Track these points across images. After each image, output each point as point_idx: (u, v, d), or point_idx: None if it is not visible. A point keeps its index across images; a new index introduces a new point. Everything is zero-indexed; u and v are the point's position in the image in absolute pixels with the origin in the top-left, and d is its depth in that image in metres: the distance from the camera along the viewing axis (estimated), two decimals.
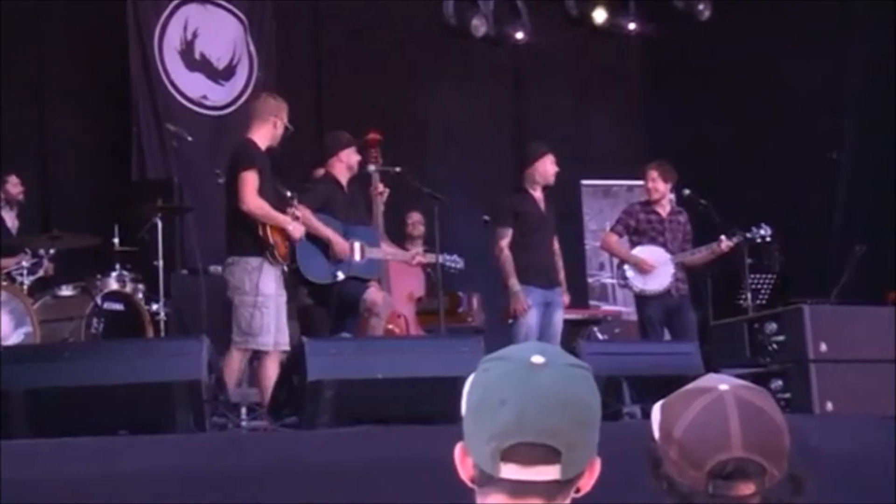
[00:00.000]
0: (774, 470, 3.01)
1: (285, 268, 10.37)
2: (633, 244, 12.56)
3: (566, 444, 2.69)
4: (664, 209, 12.59)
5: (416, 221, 13.47)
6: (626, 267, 12.58)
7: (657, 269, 12.36)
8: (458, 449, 2.78)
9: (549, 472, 2.70)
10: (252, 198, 9.92)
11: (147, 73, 14.09)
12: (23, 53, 13.42)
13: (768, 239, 12.70)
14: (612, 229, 12.89)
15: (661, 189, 12.61)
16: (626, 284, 12.79)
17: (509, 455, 2.67)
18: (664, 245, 12.49)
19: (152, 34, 14.19)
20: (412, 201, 12.84)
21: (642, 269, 12.41)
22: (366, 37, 14.79)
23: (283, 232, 10.18)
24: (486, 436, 2.69)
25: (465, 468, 2.77)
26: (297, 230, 10.29)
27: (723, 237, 12.47)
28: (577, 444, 2.72)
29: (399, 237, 12.92)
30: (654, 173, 12.60)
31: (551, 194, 12.59)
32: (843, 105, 15.30)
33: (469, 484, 2.78)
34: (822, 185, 15.08)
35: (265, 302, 9.99)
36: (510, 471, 2.68)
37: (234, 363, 9.92)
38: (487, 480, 2.72)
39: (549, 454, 2.67)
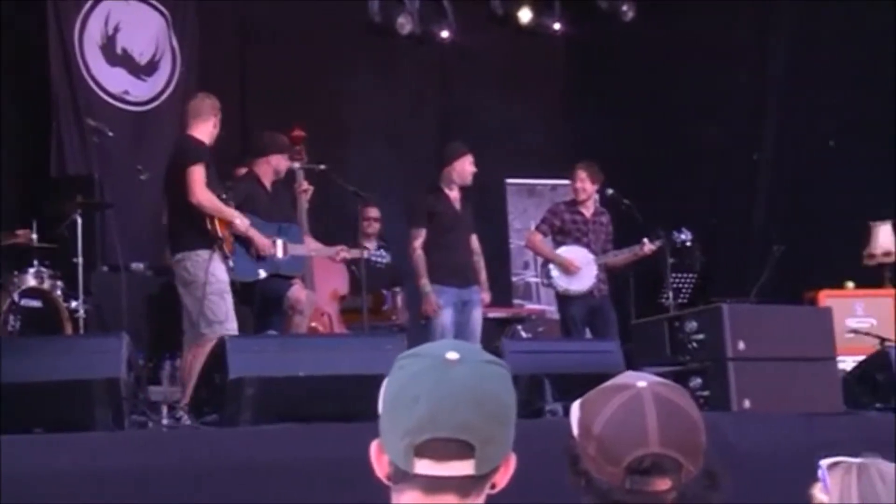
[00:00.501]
0: (690, 466, 3.03)
1: (231, 263, 10.37)
2: (558, 244, 12.70)
3: (480, 439, 2.68)
4: (588, 210, 12.75)
5: (371, 217, 13.43)
6: (550, 266, 12.71)
7: (582, 269, 12.43)
8: (373, 446, 2.77)
9: (463, 468, 2.69)
10: (202, 191, 9.98)
11: (67, 68, 13.98)
12: None
13: (689, 243, 12.84)
14: (538, 228, 13.03)
15: (588, 190, 12.74)
16: (550, 284, 12.93)
17: (423, 451, 2.66)
18: (588, 246, 12.67)
19: (73, 28, 14.06)
20: (344, 198, 12.80)
21: (568, 269, 12.52)
22: (290, 34, 14.76)
23: (229, 226, 10.25)
24: (401, 432, 2.69)
25: (380, 465, 2.76)
26: (243, 224, 10.38)
27: (645, 240, 12.72)
28: (492, 439, 2.72)
29: (328, 235, 12.81)
30: (582, 174, 12.72)
31: (468, 194, 12.63)
32: (764, 107, 15.37)
33: (385, 481, 2.77)
34: (742, 186, 15.18)
35: (224, 288, 10.08)
36: (424, 466, 2.67)
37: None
38: (402, 477, 2.72)
39: (462, 449, 2.67)
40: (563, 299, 12.80)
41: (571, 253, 12.57)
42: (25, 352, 8.52)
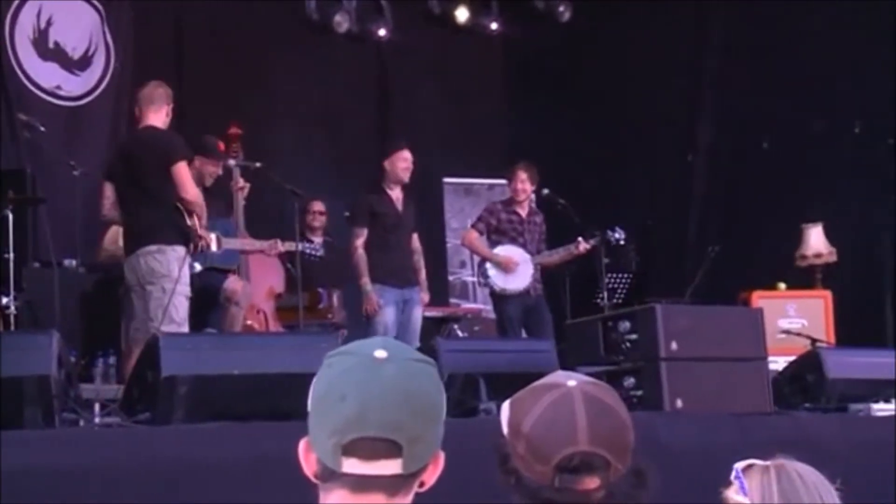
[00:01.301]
0: (619, 464, 3.05)
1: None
2: (493, 243, 12.76)
3: (408, 438, 2.69)
4: (524, 210, 12.85)
5: (317, 211, 13.51)
6: (487, 265, 12.77)
7: (519, 268, 12.46)
8: (301, 444, 2.78)
9: (391, 467, 2.69)
10: (193, 187, 10.07)
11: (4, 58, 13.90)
12: None
13: (622, 242, 12.91)
14: (474, 226, 13.06)
15: (527, 190, 12.87)
16: (486, 283, 13.02)
17: (351, 450, 2.68)
18: (523, 245, 12.76)
19: (2, 22, 13.95)
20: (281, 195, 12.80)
21: (507, 268, 12.58)
22: (227, 31, 14.79)
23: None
24: (328, 431, 2.70)
25: (308, 464, 2.77)
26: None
27: (580, 239, 12.79)
28: (420, 438, 2.73)
29: (265, 232, 12.75)
30: (523, 175, 12.80)
31: (411, 193, 12.70)
32: (699, 110, 15.41)
33: (313, 480, 2.77)
34: (677, 188, 15.22)
35: (188, 292, 10.11)
36: (352, 465, 2.69)
37: None
38: (330, 476, 2.73)
39: (390, 448, 2.68)
40: (500, 298, 12.85)
41: (508, 252, 12.62)
42: None
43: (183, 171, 10.03)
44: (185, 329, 9.95)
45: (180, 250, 10.02)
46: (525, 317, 12.70)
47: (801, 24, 14.13)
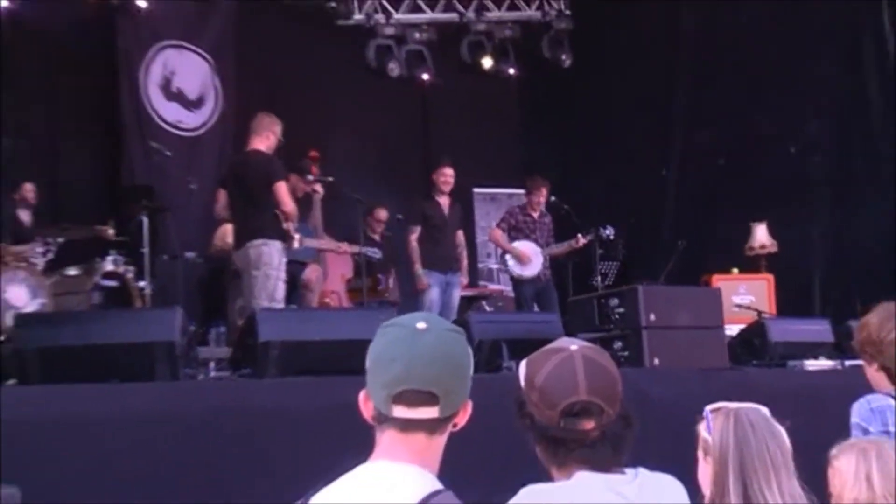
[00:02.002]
0: (610, 410, 3.07)
1: None
2: (512, 238, 12.87)
3: (443, 390, 2.73)
4: (536, 213, 12.87)
5: (377, 219, 13.51)
6: (507, 257, 12.91)
7: (531, 259, 12.55)
8: (361, 395, 2.82)
9: (430, 412, 2.74)
10: (289, 202, 10.17)
11: (135, 102, 13.96)
12: (37, 87, 13.38)
13: (612, 237, 12.97)
14: (498, 226, 13.14)
15: (543, 201, 12.93)
16: (507, 270, 13.14)
17: (399, 399, 2.71)
18: (535, 241, 12.86)
19: (137, 71, 14.04)
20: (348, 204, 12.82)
21: (523, 259, 12.68)
22: (305, 76, 14.77)
23: None
24: (381, 384, 2.73)
25: (366, 410, 2.80)
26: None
27: (579, 235, 12.96)
28: (453, 390, 2.76)
29: (338, 233, 12.87)
30: (545, 190, 12.95)
31: (456, 200, 12.97)
32: (671, 135, 15.35)
33: (370, 422, 2.80)
34: (655, 195, 15.16)
35: (284, 277, 10.22)
36: (400, 411, 2.72)
37: None
38: (383, 419, 2.76)
39: (430, 398, 2.71)
40: (517, 282, 12.95)
41: (523, 246, 12.75)
42: (105, 320, 8.58)
43: (282, 189, 10.09)
44: (278, 304, 9.97)
45: (279, 245, 10.07)
46: (537, 296, 12.77)
47: (753, 78, 14.04)
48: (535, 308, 12.56)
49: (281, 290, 10.18)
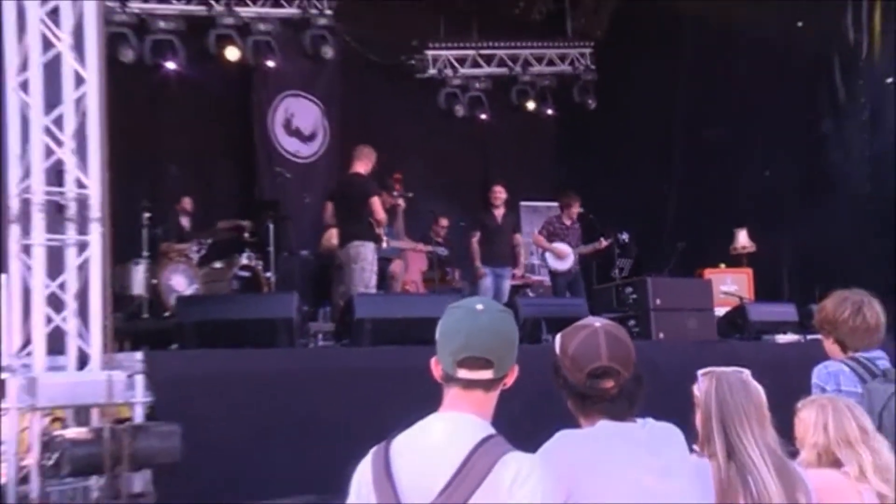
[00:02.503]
0: (626, 373, 3.06)
1: None
2: (550, 241, 12.68)
3: (496, 357, 2.75)
4: (569, 221, 12.80)
5: (441, 225, 13.54)
6: (547, 255, 12.80)
7: (567, 256, 12.44)
8: (432, 360, 2.83)
9: (486, 374, 2.75)
10: (381, 212, 10.37)
11: (265, 137, 14.04)
12: (194, 126, 13.43)
13: (627, 240, 12.98)
14: (540, 231, 13.08)
15: (575, 212, 12.83)
16: (546, 265, 13.07)
17: (462, 363, 2.74)
18: (568, 243, 12.70)
19: (266, 114, 14.13)
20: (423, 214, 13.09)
21: (559, 256, 12.60)
22: (392, 115, 14.65)
23: None
24: (448, 352, 2.76)
25: (436, 372, 2.81)
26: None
27: (602, 239, 12.87)
28: (503, 357, 2.78)
29: (416, 236, 13.16)
30: (576, 203, 12.84)
31: (511, 210, 13.22)
32: (670, 160, 15.23)
33: (439, 381, 2.81)
34: (659, 208, 15.02)
35: (375, 270, 10.33)
36: (463, 373, 2.76)
37: None
38: (449, 379, 2.80)
39: (486, 363, 2.73)
40: (553, 274, 12.89)
41: (560, 247, 12.63)
42: (241, 301, 9.08)
43: (376, 203, 10.27)
44: (372, 292, 10.06)
45: (372, 246, 10.19)
46: (569, 285, 12.68)
47: (736, 116, 13.93)
48: (567, 294, 12.44)
49: (373, 280, 10.25)
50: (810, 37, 13.57)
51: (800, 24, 13.68)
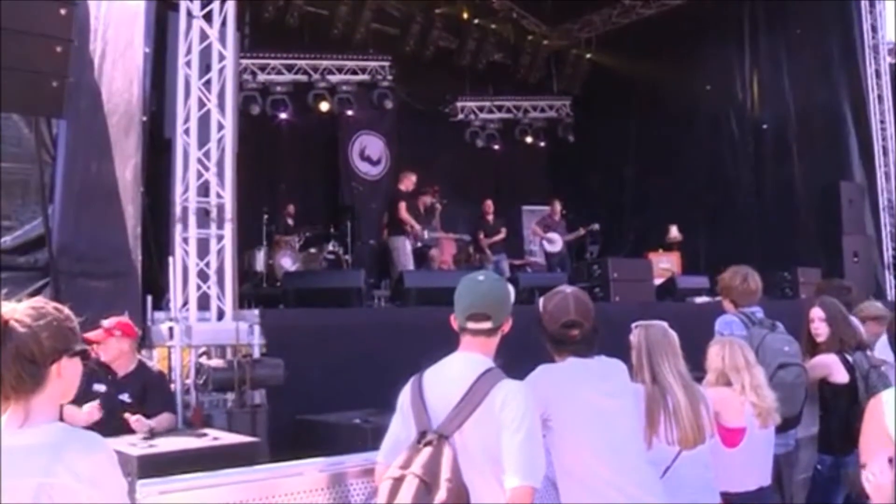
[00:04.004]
0: (587, 324, 3.08)
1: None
2: (545, 231, 12.62)
3: (493, 312, 2.76)
4: (556, 217, 12.65)
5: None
6: (542, 241, 12.64)
7: (556, 241, 12.37)
8: (451, 316, 2.83)
9: (487, 325, 2.75)
10: (404, 213, 10.43)
11: (346, 163, 13.91)
12: (295, 157, 13.40)
13: (597, 228, 12.67)
14: (538, 224, 12.99)
15: (558, 210, 12.71)
16: (543, 248, 12.84)
17: (470, 318, 2.73)
18: (557, 232, 12.53)
19: (346, 147, 14.01)
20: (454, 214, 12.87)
21: (551, 242, 12.50)
22: (432, 146, 14.36)
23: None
24: (461, 309, 2.75)
25: (454, 324, 2.84)
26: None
27: (581, 228, 12.70)
28: (499, 312, 2.77)
29: (449, 228, 12.89)
30: (558, 207, 12.84)
31: (504, 216, 13.13)
32: (626, 177, 14.97)
33: (456, 331, 2.76)
34: (617, 209, 14.70)
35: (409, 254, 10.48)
36: (471, 325, 2.73)
37: None
38: (462, 329, 2.74)
39: (485, 317, 2.74)
40: (548, 255, 12.72)
41: (551, 236, 12.50)
42: (328, 275, 9.28)
43: (399, 206, 10.43)
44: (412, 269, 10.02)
45: (402, 238, 10.38)
46: (559, 263, 12.51)
47: (670, 151, 13.76)
48: (558, 270, 12.28)
49: (408, 261, 10.31)
50: (714, 96, 13.66)
51: (708, 87, 13.75)
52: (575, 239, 12.90)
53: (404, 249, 10.22)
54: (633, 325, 3.57)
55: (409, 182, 10.73)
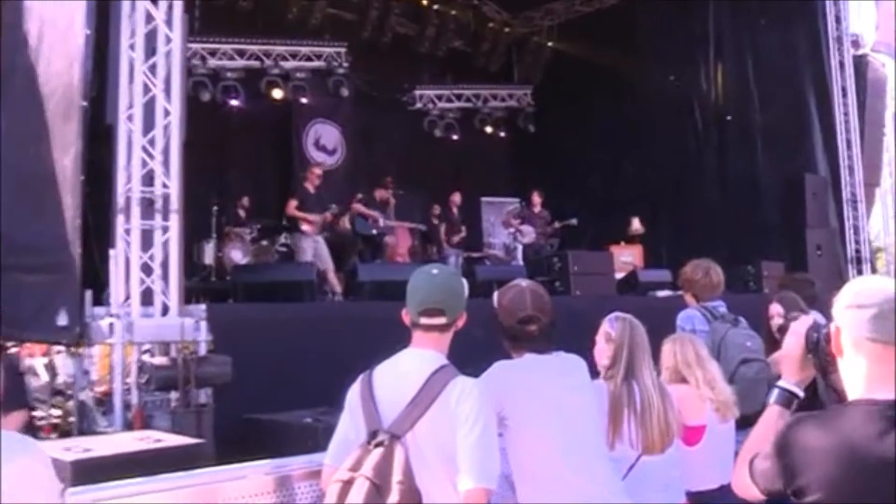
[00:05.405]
0: (545, 319, 3.02)
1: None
2: (522, 224, 12.59)
3: (447, 307, 2.70)
4: (535, 210, 12.57)
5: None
6: (516, 232, 12.64)
7: (528, 234, 12.48)
8: (404, 311, 2.76)
9: (440, 320, 2.70)
10: (290, 210, 10.31)
11: (300, 152, 13.77)
12: (248, 146, 13.28)
13: (574, 223, 12.61)
14: (513, 216, 12.94)
15: (538, 202, 12.60)
16: (516, 239, 12.79)
17: (423, 313, 2.68)
18: (533, 225, 12.46)
19: (301, 135, 13.86)
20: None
21: (523, 234, 12.49)
22: (390, 136, 14.39)
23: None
24: (414, 304, 2.70)
25: (406, 319, 2.76)
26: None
27: (556, 222, 12.60)
28: (453, 307, 2.72)
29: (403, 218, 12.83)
30: (538, 198, 12.70)
31: (464, 209, 13.06)
32: (587, 168, 14.93)
33: (408, 326, 2.72)
34: (579, 201, 14.61)
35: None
36: (424, 320, 2.67)
37: None
38: (415, 325, 2.67)
39: (439, 312, 2.68)
40: (524, 245, 12.69)
41: (525, 227, 12.49)
42: (279, 268, 9.01)
43: (292, 206, 10.30)
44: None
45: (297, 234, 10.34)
46: (534, 253, 12.41)
47: (642, 140, 13.80)
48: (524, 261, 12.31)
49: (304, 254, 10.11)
50: (679, 87, 13.70)
51: (672, 77, 13.80)
52: (553, 232, 12.77)
53: (304, 250, 10.06)
54: (612, 315, 3.55)
55: (313, 177, 10.65)
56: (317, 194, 10.67)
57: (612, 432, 3.26)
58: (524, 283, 3.10)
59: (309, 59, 13.44)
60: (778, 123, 12.36)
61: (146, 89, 6.02)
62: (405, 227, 12.48)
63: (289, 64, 13.23)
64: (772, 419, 2.05)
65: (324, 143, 14.09)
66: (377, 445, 2.48)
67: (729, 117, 13.21)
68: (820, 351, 1.98)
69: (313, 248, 10.10)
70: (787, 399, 2.09)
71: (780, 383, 2.13)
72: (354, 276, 7.79)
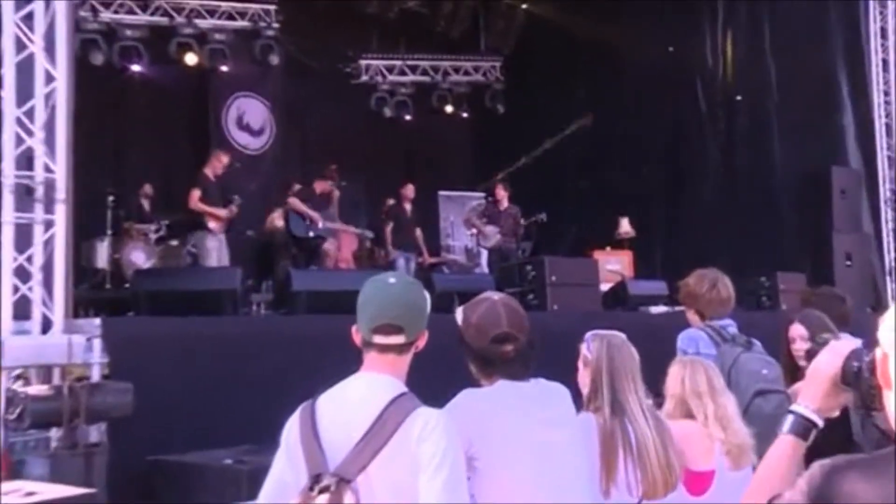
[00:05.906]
0: (522, 338, 2.98)
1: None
2: (487, 223, 12.59)
3: (406, 323, 2.67)
4: (502, 206, 12.52)
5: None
6: (478, 235, 12.75)
7: (491, 237, 12.48)
8: (354, 328, 2.73)
9: (398, 339, 2.67)
10: (193, 202, 10.36)
11: (219, 131, 13.76)
12: (154, 121, 13.27)
13: (544, 219, 12.58)
14: (477, 214, 13.11)
15: (503, 196, 12.55)
16: (479, 243, 12.96)
17: (377, 330, 2.65)
18: (500, 224, 12.43)
19: (221, 111, 13.87)
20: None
21: (486, 237, 12.53)
22: (329, 114, 14.37)
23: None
24: (366, 319, 2.68)
25: (357, 338, 2.72)
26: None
27: (521, 220, 12.59)
28: (413, 323, 2.70)
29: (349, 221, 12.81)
30: (502, 191, 12.61)
31: (418, 205, 12.98)
32: (566, 158, 15.15)
33: (359, 346, 2.71)
34: (555, 197, 14.79)
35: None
36: (378, 338, 2.67)
37: None
38: (367, 344, 2.68)
39: (397, 329, 2.66)
40: (488, 249, 12.75)
41: (489, 228, 12.49)
42: (192, 274, 8.92)
43: (195, 196, 10.33)
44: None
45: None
46: (500, 258, 12.43)
47: (620, 121, 13.98)
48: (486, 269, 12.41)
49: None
50: (679, 59, 13.72)
51: (671, 48, 13.77)
52: (523, 235, 12.78)
53: (209, 251, 10.02)
54: (589, 334, 3.58)
55: (217, 163, 10.65)
56: (218, 184, 10.67)
57: (605, 477, 3.25)
58: (496, 296, 3.11)
59: (230, 17, 13.38)
60: (801, 104, 12.01)
61: (20, 46, 5.85)
62: (350, 231, 12.50)
63: (205, 23, 13.12)
64: (786, 453, 2.04)
65: (248, 121, 14.06)
66: (322, 491, 2.45)
67: (739, 97, 13.24)
68: (863, 383, 1.96)
69: (218, 250, 10.11)
70: (805, 428, 2.05)
71: (797, 408, 2.07)
72: (288, 284, 7.73)
